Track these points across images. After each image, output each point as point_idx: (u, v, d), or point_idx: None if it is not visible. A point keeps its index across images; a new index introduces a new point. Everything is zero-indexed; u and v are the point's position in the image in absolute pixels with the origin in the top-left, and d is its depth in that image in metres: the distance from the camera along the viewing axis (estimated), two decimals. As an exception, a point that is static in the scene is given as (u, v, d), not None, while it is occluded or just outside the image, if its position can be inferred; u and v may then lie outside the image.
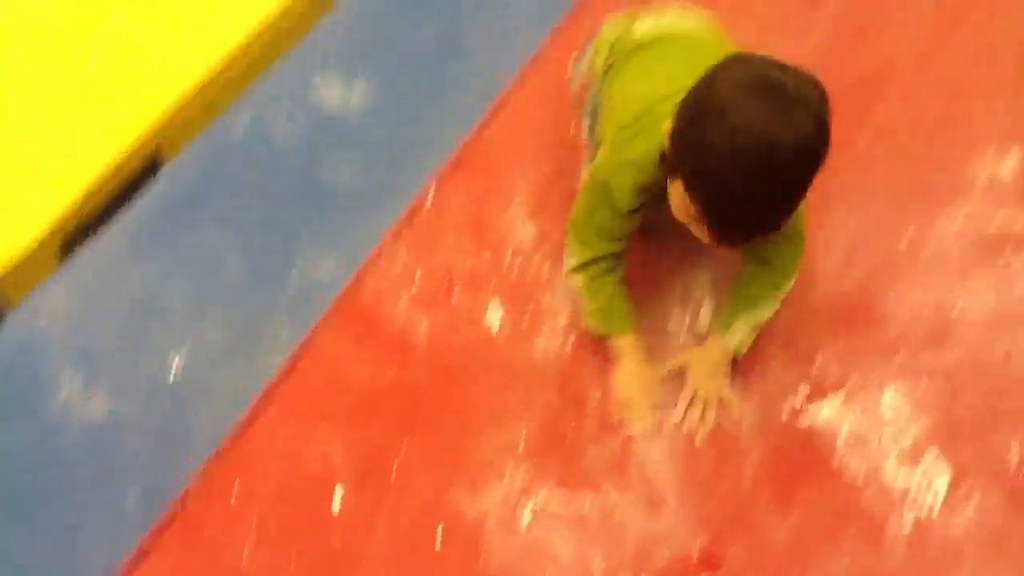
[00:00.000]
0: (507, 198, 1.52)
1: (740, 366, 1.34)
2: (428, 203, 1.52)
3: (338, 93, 1.69)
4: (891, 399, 1.33)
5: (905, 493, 1.25)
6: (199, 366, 1.38)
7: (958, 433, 1.29)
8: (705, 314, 1.40)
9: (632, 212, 1.24)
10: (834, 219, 1.50)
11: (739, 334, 1.30)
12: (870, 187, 1.54)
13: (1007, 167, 1.55)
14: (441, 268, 1.45)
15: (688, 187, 1.07)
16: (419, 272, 1.44)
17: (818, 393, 1.33)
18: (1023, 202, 1.51)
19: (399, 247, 1.47)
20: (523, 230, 1.48)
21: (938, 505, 1.24)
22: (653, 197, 1.22)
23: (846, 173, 1.53)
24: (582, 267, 1.30)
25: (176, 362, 1.38)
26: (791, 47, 1.51)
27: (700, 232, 1.13)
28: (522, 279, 1.44)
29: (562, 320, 1.39)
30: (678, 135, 1.08)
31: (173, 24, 1.88)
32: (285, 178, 1.60)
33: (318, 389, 1.33)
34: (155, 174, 1.64)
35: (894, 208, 1.52)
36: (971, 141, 1.59)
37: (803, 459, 1.28)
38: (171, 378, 1.37)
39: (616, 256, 1.30)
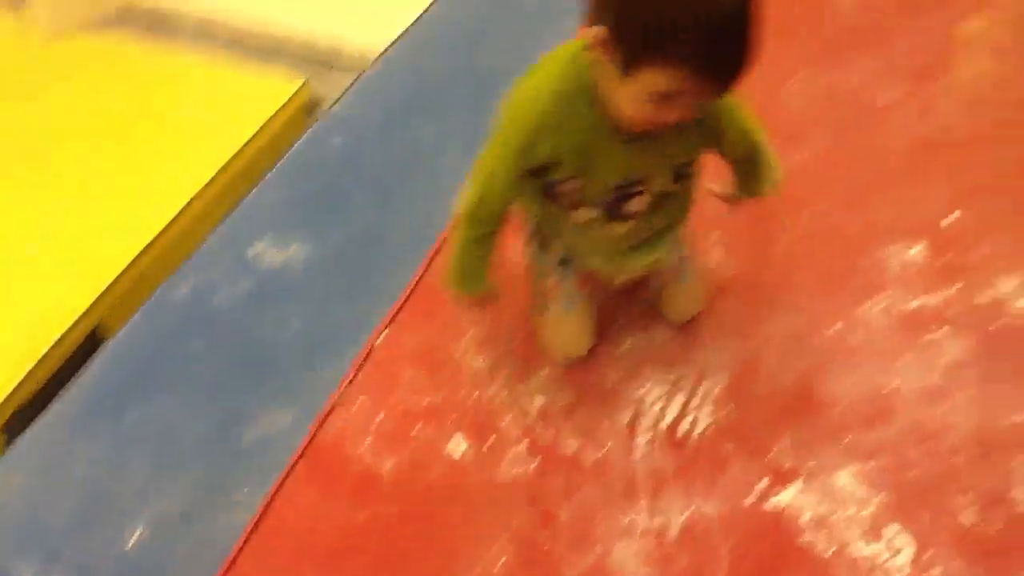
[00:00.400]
0: (457, 333, 1.56)
1: (702, 468, 1.39)
2: (380, 347, 1.55)
3: (276, 254, 1.74)
4: (846, 480, 1.38)
5: (873, 566, 1.28)
6: (161, 535, 1.37)
7: (913, 502, 1.35)
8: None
9: (529, 172, 1.22)
10: (766, 321, 1.58)
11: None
12: (794, 288, 1.64)
13: (916, 253, 1.67)
14: (400, 407, 1.48)
15: (668, 63, 1.03)
16: (379, 414, 1.47)
17: (778, 482, 1.38)
18: (936, 283, 1.62)
19: (355, 392, 1.50)
20: (476, 362, 1.53)
21: (907, 573, 1.27)
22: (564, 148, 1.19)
23: (770, 277, 1.64)
24: (466, 220, 1.28)
25: (136, 534, 1.36)
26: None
27: (681, 109, 1.10)
28: (481, 409, 1.47)
29: (524, 444, 1.42)
30: (627, 30, 1.04)
31: (107, 205, 1.94)
32: (232, 339, 1.62)
33: (291, 540, 1.33)
34: (98, 348, 1.65)
35: (818, 304, 1.61)
36: (877, 234, 1.71)
37: (772, 546, 1.31)
38: (133, 551, 1.34)
39: (495, 231, 1.30)
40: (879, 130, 1.93)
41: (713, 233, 1.69)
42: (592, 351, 1.53)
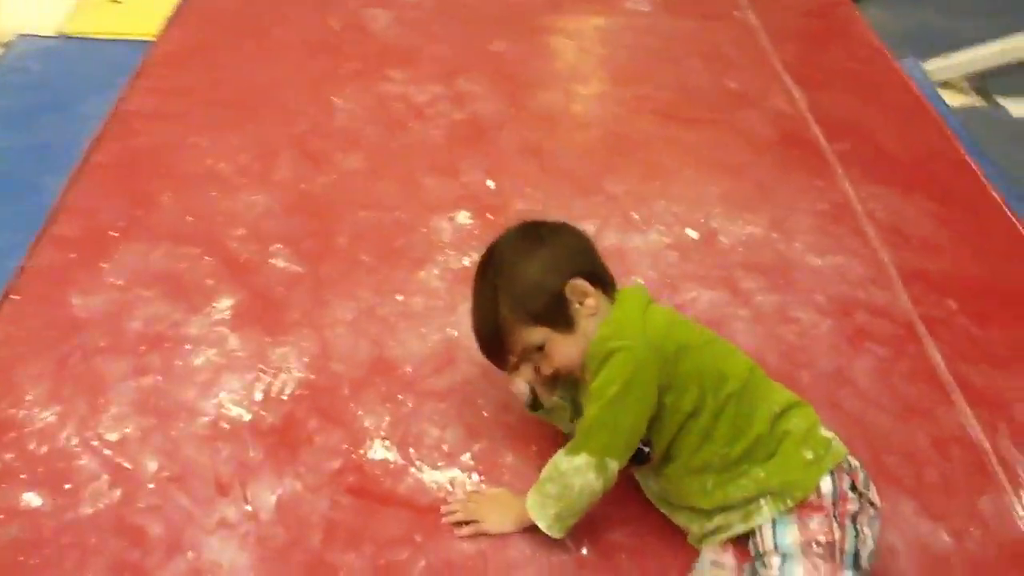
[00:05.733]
0: (17, 392, 1.51)
1: (286, 450, 1.44)
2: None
3: None
4: (424, 425, 1.48)
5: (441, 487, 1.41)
6: None
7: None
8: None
9: None
10: (332, 309, 1.68)
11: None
12: (358, 271, 1.76)
13: (462, 219, 1.88)
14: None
15: None
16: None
17: (360, 443, 1.46)
18: (481, 240, 1.79)
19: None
20: (41, 417, 1.47)
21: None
22: None
23: (336, 267, 1.74)
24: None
25: None
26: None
27: None
28: (50, 462, 1.42)
29: (104, 479, 1.39)
30: None
31: None
32: None
33: None
34: None
35: (381, 281, 1.73)
36: (428, 210, 1.90)
37: (366, 498, 1.39)
38: None
39: None
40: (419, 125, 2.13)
41: (274, 244, 1.79)
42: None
